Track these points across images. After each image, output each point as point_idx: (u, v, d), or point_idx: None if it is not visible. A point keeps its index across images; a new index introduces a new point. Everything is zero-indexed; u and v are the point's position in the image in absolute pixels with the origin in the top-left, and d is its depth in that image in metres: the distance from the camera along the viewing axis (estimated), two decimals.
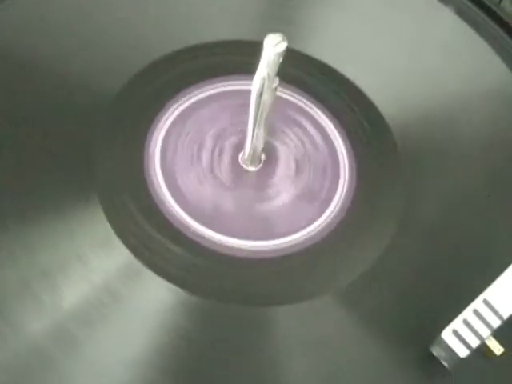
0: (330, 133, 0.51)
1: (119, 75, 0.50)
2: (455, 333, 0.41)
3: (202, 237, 0.45)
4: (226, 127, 0.50)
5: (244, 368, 0.41)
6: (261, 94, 0.42)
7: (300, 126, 0.51)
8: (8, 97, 0.48)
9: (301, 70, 0.53)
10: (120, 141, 0.48)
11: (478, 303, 0.42)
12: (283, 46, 0.39)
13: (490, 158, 0.50)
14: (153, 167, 0.47)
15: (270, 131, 0.47)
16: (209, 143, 0.49)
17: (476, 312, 0.41)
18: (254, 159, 0.48)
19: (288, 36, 0.39)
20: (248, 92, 0.43)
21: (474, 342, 0.41)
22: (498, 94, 0.53)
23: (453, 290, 0.44)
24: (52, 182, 0.45)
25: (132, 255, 0.43)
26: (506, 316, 0.41)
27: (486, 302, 0.42)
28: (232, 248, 0.45)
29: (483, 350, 0.41)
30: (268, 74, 0.40)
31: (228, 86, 0.52)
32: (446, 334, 0.41)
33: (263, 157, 0.49)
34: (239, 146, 0.49)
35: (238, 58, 0.52)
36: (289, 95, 0.52)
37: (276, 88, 0.42)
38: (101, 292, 0.42)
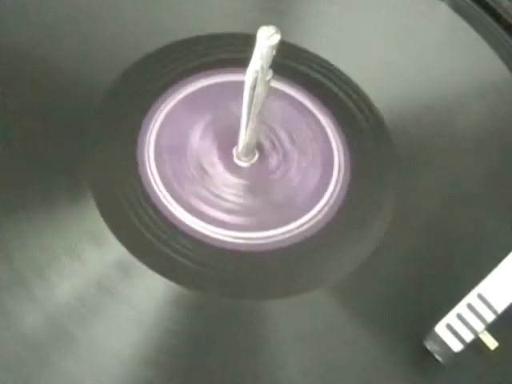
0: (324, 126, 0.51)
1: (112, 69, 0.50)
2: (449, 327, 0.41)
3: (196, 230, 0.45)
4: (221, 118, 0.50)
5: (238, 362, 0.41)
6: (254, 87, 0.42)
7: (294, 119, 0.51)
8: None
9: (294, 63, 0.53)
10: (113, 135, 0.48)
11: (472, 297, 0.42)
12: (276, 38, 0.39)
13: (485, 152, 0.50)
14: (147, 161, 0.47)
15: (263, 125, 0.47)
16: (203, 135, 0.49)
17: (470, 306, 0.41)
18: (247, 153, 0.48)
19: (281, 29, 0.39)
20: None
21: (468, 337, 0.41)
22: (493, 88, 0.53)
23: (447, 285, 0.44)
24: (45, 177, 0.45)
25: (126, 250, 0.43)
26: (500, 310, 0.41)
27: (480, 296, 0.42)
28: (225, 242, 0.45)
29: (477, 344, 0.41)
30: (261, 66, 0.40)
31: (221, 78, 0.52)
32: (440, 328, 0.41)
33: (256, 151, 0.49)
34: (234, 140, 0.48)
35: (232, 51, 0.52)
36: (281, 87, 0.52)
37: (269, 81, 0.42)
38: (95, 287, 0.42)
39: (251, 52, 0.40)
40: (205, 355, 0.41)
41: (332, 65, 0.53)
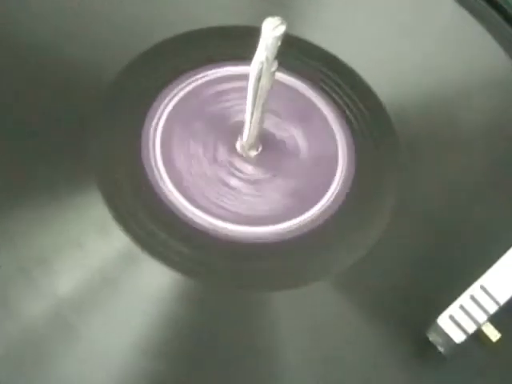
0: (327, 118, 0.51)
1: (117, 60, 0.50)
2: (451, 318, 0.41)
3: (201, 222, 0.45)
4: (227, 111, 0.50)
5: (242, 353, 0.41)
6: (259, 78, 0.42)
7: (297, 111, 0.51)
8: (2, 81, 0.48)
9: (297, 55, 0.53)
10: (118, 125, 0.48)
11: (474, 289, 0.42)
12: (282, 29, 0.39)
13: (490, 144, 0.50)
14: (152, 152, 0.47)
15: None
16: (209, 128, 0.49)
17: (473, 298, 0.42)
18: (252, 145, 0.48)
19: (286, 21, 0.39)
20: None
21: (471, 328, 0.41)
22: (496, 80, 0.53)
23: (449, 276, 0.44)
24: (49, 167, 0.45)
25: (130, 240, 0.43)
26: (502, 302, 0.41)
27: (482, 287, 0.42)
28: (231, 233, 0.45)
29: (479, 336, 0.41)
30: (267, 57, 0.40)
31: (227, 71, 0.52)
32: (442, 320, 0.41)
33: (260, 144, 0.49)
34: (239, 131, 0.48)
35: (238, 43, 0.52)
36: (284, 79, 0.52)
37: (274, 72, 0.42)
38: (99, 277, 0.42)
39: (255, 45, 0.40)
40: (209, 346, 0.41)
41: (337, 57, 0.53)
